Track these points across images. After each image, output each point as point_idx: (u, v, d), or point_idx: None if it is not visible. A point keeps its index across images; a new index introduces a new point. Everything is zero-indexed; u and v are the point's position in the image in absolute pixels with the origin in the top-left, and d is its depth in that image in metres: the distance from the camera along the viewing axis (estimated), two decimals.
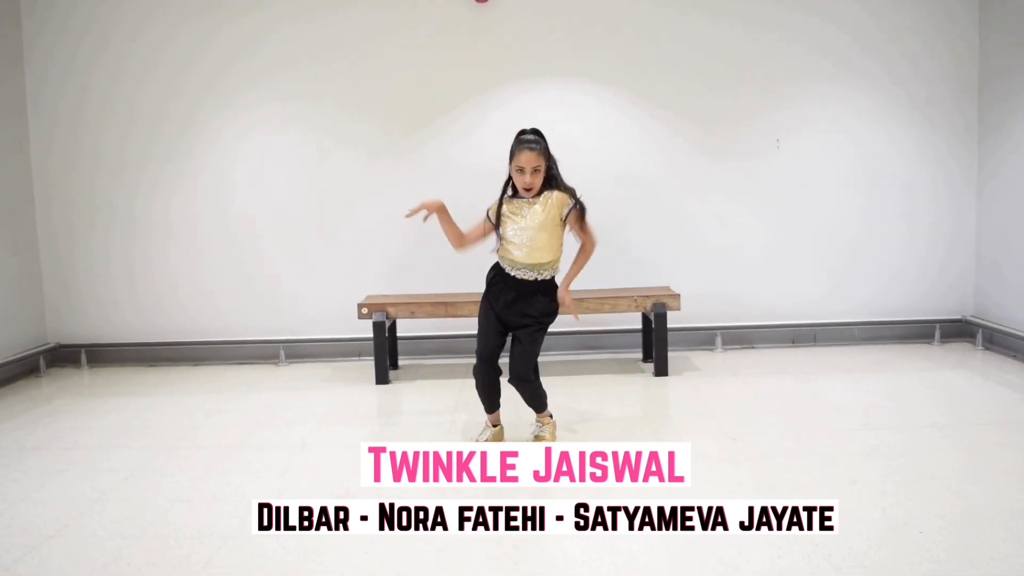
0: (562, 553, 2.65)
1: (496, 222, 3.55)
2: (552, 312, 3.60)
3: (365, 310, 4.99)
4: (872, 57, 5.55)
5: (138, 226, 5.70)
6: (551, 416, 3.80)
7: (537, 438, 3.72)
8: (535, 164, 3.43)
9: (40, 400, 4.88)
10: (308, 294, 5.70)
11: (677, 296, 5.00)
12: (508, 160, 3.51)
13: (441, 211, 3.58)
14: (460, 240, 3.65)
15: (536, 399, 3.70)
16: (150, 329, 5.76)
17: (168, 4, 5.52)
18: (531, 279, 3.52)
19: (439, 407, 4.45)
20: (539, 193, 3.49)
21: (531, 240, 3.47)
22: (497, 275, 3.59)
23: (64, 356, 5.79)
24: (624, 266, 5.56)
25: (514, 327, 3.56)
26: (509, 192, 3.56)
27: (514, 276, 3.52)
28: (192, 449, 3.84)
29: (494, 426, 3.77)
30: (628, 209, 5.61)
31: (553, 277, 3.58)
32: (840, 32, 5.53)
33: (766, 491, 3.09)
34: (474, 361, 3.64)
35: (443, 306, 4.97)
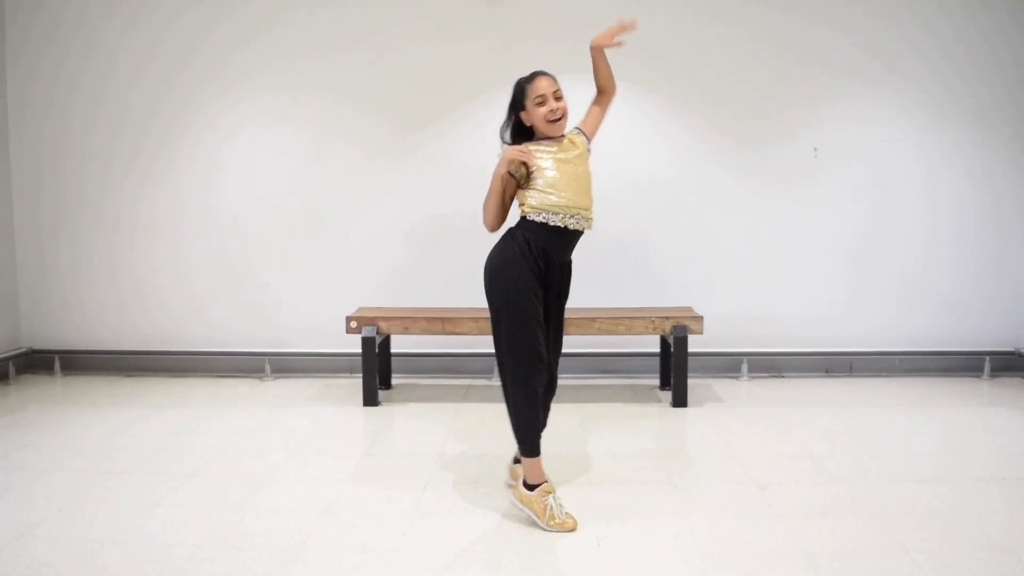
0: None
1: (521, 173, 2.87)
2: None
3: (354, 324, 4.54)
4: (921, 60, 5.04)
5: (122, 228, 5.33)
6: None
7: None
8: (555, 88, 2.91)
9: (9, 408, 4.51)
10: (299, 303, 5.27)
11: (700, 319, 4.50)
12: (513, 108, 3.00)
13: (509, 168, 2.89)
14: (490, 204, 2.96)
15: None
16: (131, 335, 5.37)
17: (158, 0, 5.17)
18: (582, 229, 2.91)
19: (428, 438, 3.98)
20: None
21: (577, 178, 2.88)
22: (527, 245, 2.85)
23: (37, 362, 5.42)
24: (642, 283, 5.08)
25: (548, 309, 2.93)
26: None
27: (565, 228, 2.85)
28: (147, 476, 3.40)
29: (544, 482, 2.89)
30: (649, 221, 5.13)
31: None
32: (891, 37, 5.03)
33: (799, 561, 2.58)
34: (492, 379, 3.01)
35: (439, 322, 4.51)
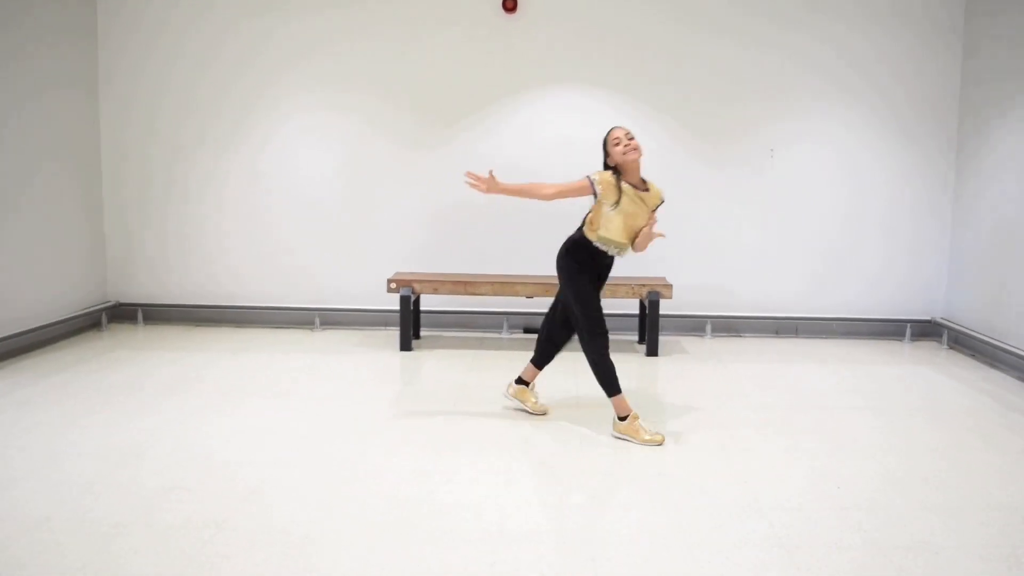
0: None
1: (599, 196, 3.79)
2: None
3: (394, 285, 5.65)
4: (861, 76, 6.11)
5: (194, 200, 6.40)
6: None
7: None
8: (627, 131, 3.84)
9: (101, 350, 5.58)
10: (342, 268, 6.37)
11: (670, 286, 5.62)
12: (605, 159, 3.90)
13: (492, 189, 3.83)
14: (541, 194, 3.88)
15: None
16: (200, 292, 6.46)
17: (236, 4, 6.21)
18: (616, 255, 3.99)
19: (452, 375, 5.11)
20: (644, 181, 3.91)
21: (636, 229, 3.91)
22: (589, 256, 3.91)
23: (123, 314, 6.51)
24: (625, 257, 6.16)
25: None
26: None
27: (611, 256, 3.95)
28: (242, 396, 4.52)
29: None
30: None
31: None
32: (832, 51, 6.09)
33: (719, 452, 3.73)
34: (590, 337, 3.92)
35: (463, 284, 5.62)
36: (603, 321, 3.93)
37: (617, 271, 6.08)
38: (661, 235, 3.98)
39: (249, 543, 2.78)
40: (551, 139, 6.13)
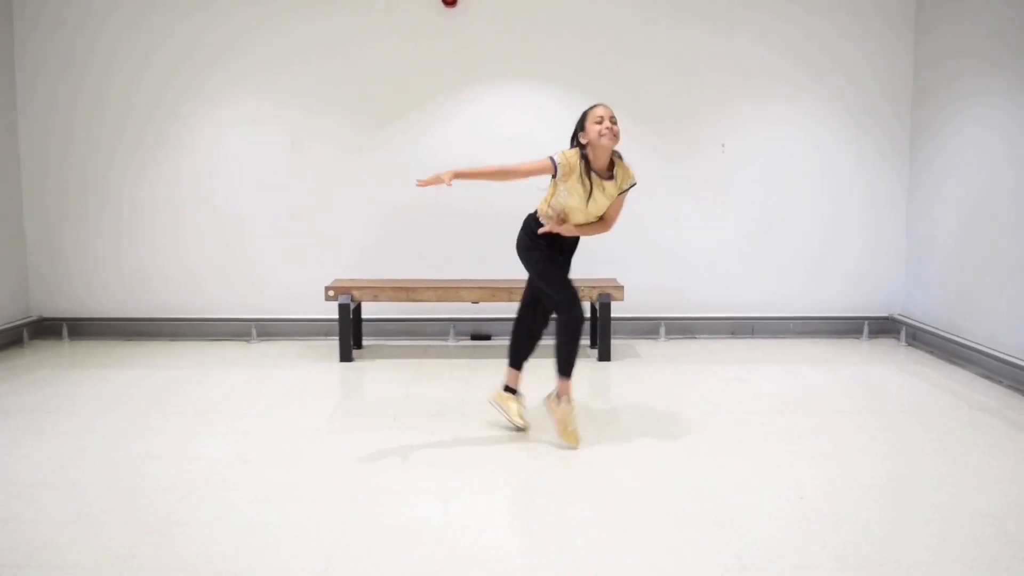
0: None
1: (555, 175, 3.67)
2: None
3: (332, 292, 5.36)
4: (813, 67, 5.96)
5: (124, 209, 6.03)
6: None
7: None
8: (611, 114, 3.65)
9: (22, 369, 5.20)
10: (282, 276, 6.06)
11: (621, 288, 5.40)
12: (577, 130, 3.73)
13: (457, 176, 3.64)
14: (506, 176, 3.77)
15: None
16: (131, 305, 6.10)
17: (160, 2, 5.85)
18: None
19: (394, 386, 4.83)
20: (611, 167, 3.75)
21: (598, 212, 3.78)
22: (537, 229, 3.80)
23: (46, 329, 6.12)
24: (577, 258, 5.94)
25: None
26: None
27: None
28: (153, 416, 4.19)
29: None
30: None
31: None
32: (785, 42, 5.94)
33: (671, 454, 3.51)
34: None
35: (404, 291, 5.35)
36: (575, 294, 3.76)
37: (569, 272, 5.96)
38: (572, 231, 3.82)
39: None
40: (498, 135, 5.87)
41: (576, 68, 5.90)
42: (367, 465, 3.48)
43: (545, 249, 3.80)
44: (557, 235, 3.79)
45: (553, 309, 3.87)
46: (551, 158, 3.69)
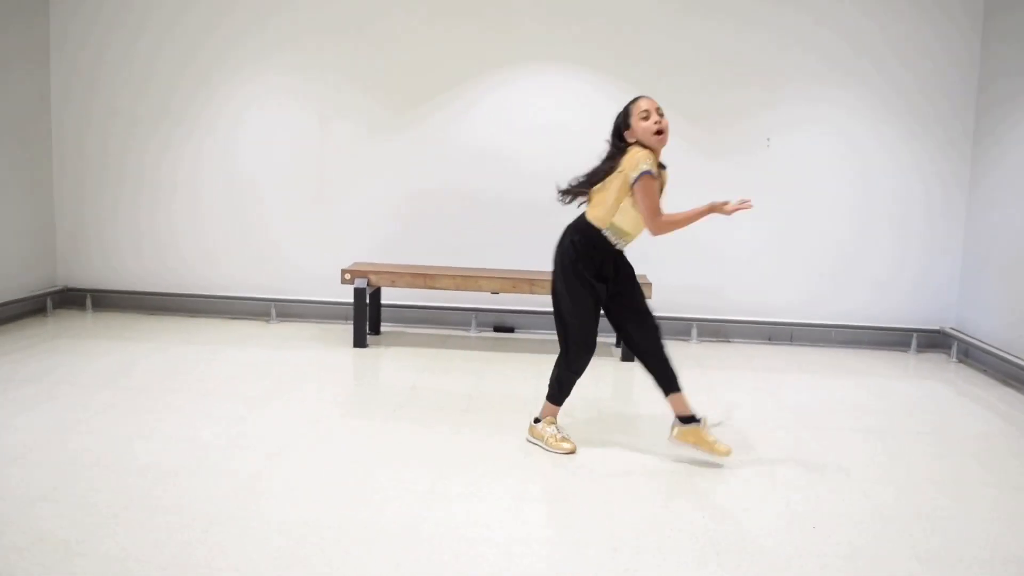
0: None
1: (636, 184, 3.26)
2: None
3: (348, 276, 5.19)
4: (869, 59, 5.56)
5: (147, 182, 5.97)
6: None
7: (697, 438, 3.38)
8: (657, 106, 3.28)
9: (40, 338, 5.18)
10: (302, 258, 5.92)
11: (649, 285, 5.12)
12: (621, 127, 3.35)
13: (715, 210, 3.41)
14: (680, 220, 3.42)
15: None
16: (153, 279, 6.05)
17: None
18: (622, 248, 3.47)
19: (404, 374, 4.65)
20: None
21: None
22: (594, 248, 3.36)
23: (71, 299, 6.11)
24: None
25: (613, 293, 3.42)
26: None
27: (615, 248, 3.41)
28: (163, 393, 4.09)
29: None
30: None
31: None
32: (837, 35, 5.55)
33: (690, 465, 3.24)
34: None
35: (422, 277, 5.15)
36: (587, 354, 3.42)
37: None
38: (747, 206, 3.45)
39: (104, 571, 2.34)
40: (530, 122, 5.63)
41: (609, 55, 5.60)
42: (352, 457, 3.30)
43: (590, 286, 3.34)
44: (606, 252, 3.38)
45: (561, 347, 3.48)
46: (647, 172, 3.24)
